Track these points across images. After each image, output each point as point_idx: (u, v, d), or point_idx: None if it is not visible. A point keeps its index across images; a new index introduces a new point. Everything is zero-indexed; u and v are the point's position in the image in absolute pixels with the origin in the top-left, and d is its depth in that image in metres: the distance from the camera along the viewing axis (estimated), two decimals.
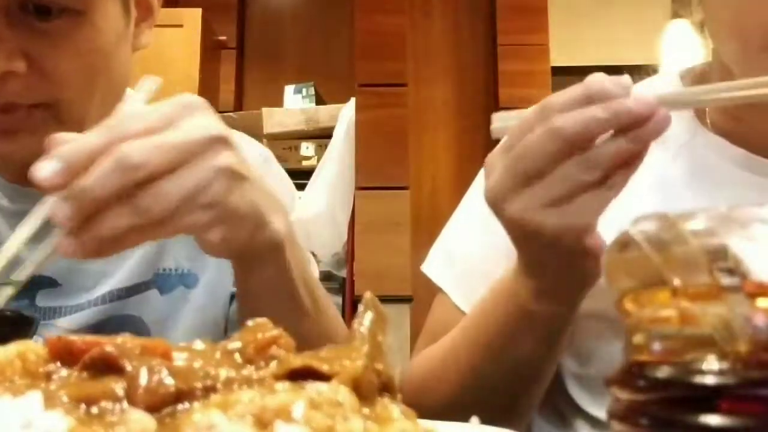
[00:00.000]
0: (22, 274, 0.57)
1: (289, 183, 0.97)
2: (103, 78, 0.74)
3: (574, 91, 0.55)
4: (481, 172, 0.86)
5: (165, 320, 0.79)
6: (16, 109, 0.70)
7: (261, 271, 0.61)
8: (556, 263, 0.60)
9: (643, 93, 0.54)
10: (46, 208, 0.55)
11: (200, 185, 0.53)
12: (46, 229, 0.55)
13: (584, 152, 0.54)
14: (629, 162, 0.55)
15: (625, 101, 0.54)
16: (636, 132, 0.53)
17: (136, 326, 0.78)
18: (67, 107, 0.72)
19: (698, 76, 0.80)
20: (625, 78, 0.55)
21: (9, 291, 0.56)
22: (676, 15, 3.15)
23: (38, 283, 0.78)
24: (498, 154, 0.59)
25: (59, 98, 0.71)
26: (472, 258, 0.82)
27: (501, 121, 0.60)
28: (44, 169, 0.51)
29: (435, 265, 0.85)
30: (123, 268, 0.79)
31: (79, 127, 0.72)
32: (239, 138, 0.87)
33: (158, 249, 0.80)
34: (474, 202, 0.85)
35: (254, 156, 0.87)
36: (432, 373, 0.73)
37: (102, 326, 0.77)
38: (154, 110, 0.54)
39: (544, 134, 0.55)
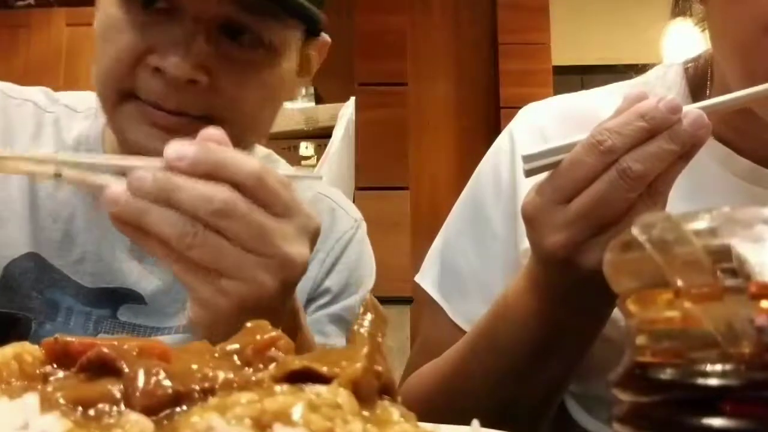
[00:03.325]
0: (68, 171, 0.56)
1: (371, 262, 0.95)
2: (268, 114, 0.78)
3: (631, 124, 0.53)
4: (473, 179, 0.85)
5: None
6: (186, 115, 0.72)
7: None
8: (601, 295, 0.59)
9: (691, 110, 0.54)
10: (138, 162, 0.55)
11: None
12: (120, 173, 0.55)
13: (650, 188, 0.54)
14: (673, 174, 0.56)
15: (685, 128, 0.53)
16: (691, 151, 0.54)
17: None
18: (228, 127, 0.73)
19: (702, 69, 0.79)
20: (673, 99, 0.54)
21: (51, 169, 0.55)
22: (675, 14, 3.14)
23: (124, 296, 0.78)
24: (548, 203, 0.57)
25: (226, 116, 0.72)
26: (466, 270, 0.80)
27: (530, 161, 0.58)
28: (178, 150, 0.53)
29: (429, 276, 0.83)
30: None
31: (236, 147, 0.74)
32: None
33: None
34: (466, 210, 0.84)
35: (345, 228, 0.89)
36: (436, 388, 0.72)
37: None
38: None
39: (618, 179, 0.53)
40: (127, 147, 0.73)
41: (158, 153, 0.73)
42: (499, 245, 0.79)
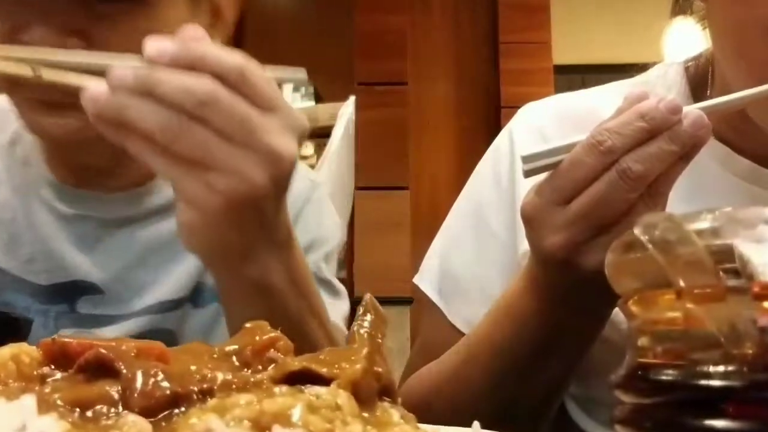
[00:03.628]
0: (47, 72, 0.56)
1: (333, 222, 0.92)
2: None
3: (631, 125, 0.53)
4: (472, 179, 0.85)
5: (198, 337, 0.78)
6: None
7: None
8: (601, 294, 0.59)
9: (691, 111, 0.54)
10: (116, 59, 0.54)
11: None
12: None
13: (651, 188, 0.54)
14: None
15: (685, 128, 0.53)
16: (691, 152, 0.54)
17: (169, 342, 0.76)
18: None
19: (702, 68, 0.78)
20: (673, 100, 0.54)
21: (28, 70, 0.55)
22: (676, 12, 3.14)
23: (81, 289, 0.77)
24: (548, 204, 0.57)
25: None
26: (466, 272, 0.80)
27: (530, 161, 0.58)
28: (158, 47, 0.52)
29: (428, 278, 0.83)
30: (167, 281, 0.78)
31: None
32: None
33: (200, 264, 0.77)
34: (464, 211, 0.84)
35: (300, 188, 0.85)
36: (436, 390, 0.72)
37: (140, 338, 0.75)
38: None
39: (618, 180, 0.53)
40: (35, 132, 0.71)
41: (52, 131, 0.70)
42: (497, 246, 0.79)
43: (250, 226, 0.56)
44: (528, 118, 0.84)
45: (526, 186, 0.79)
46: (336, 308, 0.82)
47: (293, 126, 0.55)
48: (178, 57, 0.52)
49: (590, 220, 0.55)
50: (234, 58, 0.54)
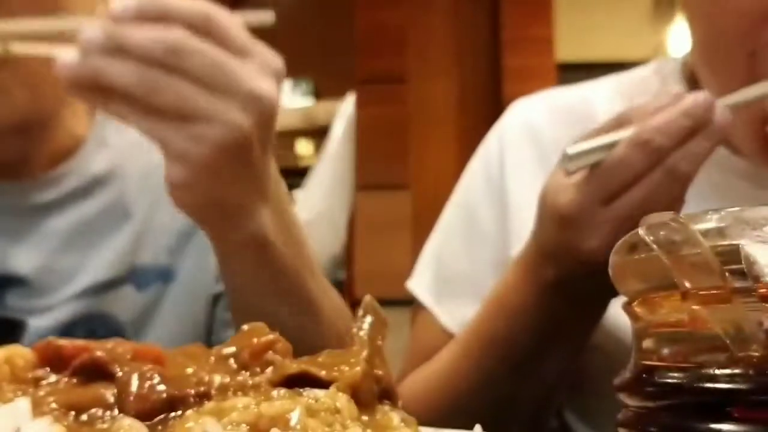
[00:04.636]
0: (18, 46, 0.56)
1: None
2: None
3: (676, 122, 0.54)
4: (464, 179, 0.84)
5: (141, 319, 0.76)
6: None
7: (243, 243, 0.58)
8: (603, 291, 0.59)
9: (717, 105, 0.55)
10: (84, 21, 0.54)
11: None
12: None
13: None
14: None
15: (716, 125, 0.54)
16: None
17: (110, 325, 0.74)
18: (35, 68, 0.66)
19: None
20: (708, 96, 0.55)
21: None
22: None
23: (7, 282, 0.74)
24: (592, 204, 0.56)
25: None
26: (457, 273, 0.79)
27: (572, 161, 0.57)
28: (122, 3, 0.52)
29: (422, 281, 0.82)
30: (97, 264, 0.76)
31: (49, 95, 0.70)
32: None
33: (135, 242, 0.77)
34: (457, 211, 0.83)
35: None
36: (432, 390, 0.71)
37: (74, 324, 0.73)
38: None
39: (665, 179, 0.53)
40: None
41: None
42: (489, 246, 0.79)
43: (240, 177, 0.55)
44: (519, 115, 0.83)
45: (516, 185, 0.79)
46: None
47: (270, 68, 0.55)
48: (142, 9, 0.52)
49: (634, 220, 0.54)
50: (199, 5, 0.53)
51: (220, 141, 0.52)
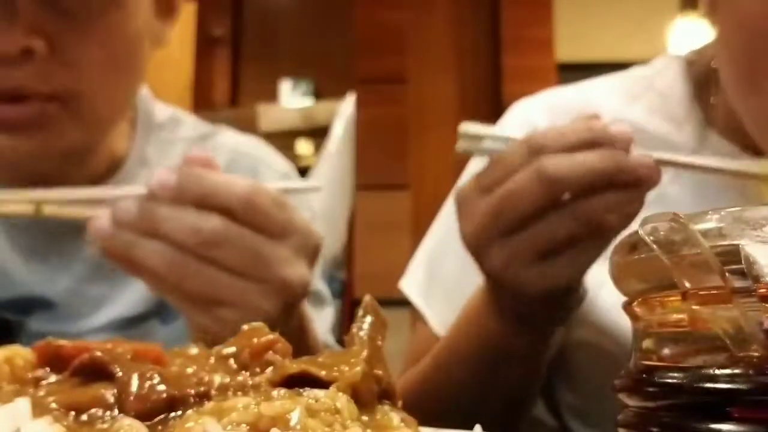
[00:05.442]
0: (48, 208, 0.55)
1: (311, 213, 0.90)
2: (126, 72, 0.68)
3: (568, 135, 0.51)
4: (463, 178, 0.84)
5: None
6: (29, 98, 0.62)
7: None
8: (535, 313, 0.58)
9: (641, 154, 0.52)
10: (120, 192, 0.53)
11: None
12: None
13: (573, 203, 0.51)
14: (623, 217, 0.52)
15: (629, 158, 0.50)
16: (633, 191, 0.51)
17: None
18: (84, 102, 0.65)
19: (707, 63, 0.76)
20: (627, 130, 0.52)
21: (30, 208, 0.54)
22: (684, 8, 3.12)
23: (33, 305, 0.71)
24: (474, 191, 0.55)
25: (77, 90, 0.64)
26: (451, 280, 0.78)
27: (467, 139, 0.56)
28: (161, 179, 0.51)
29: (414, 284, 0.81)
30: (126, 295, 0.74)
31: (97, 126, 0.68)
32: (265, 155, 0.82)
33: None
34: (452, 216, 0.82)
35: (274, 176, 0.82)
36: (411, 395, 0.71)
37: None
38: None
39: (533, 179, 0.51)
40: None
41: (4, 153, 0.64)
42: None
43: None
44: (519, 115, 0.82)
45: None
46: (322, 318, 0.80)
47: (306, 247, 0.54)
48: (183, 189, 0.50)
49: (502, 216, 0.52)
50: (241, 188, 0.52)
51: (242, 323, 0.52)
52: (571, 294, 0.58)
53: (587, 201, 0.51)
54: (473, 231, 0.55)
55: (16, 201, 0.55)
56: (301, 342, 0.60)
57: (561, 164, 0.50)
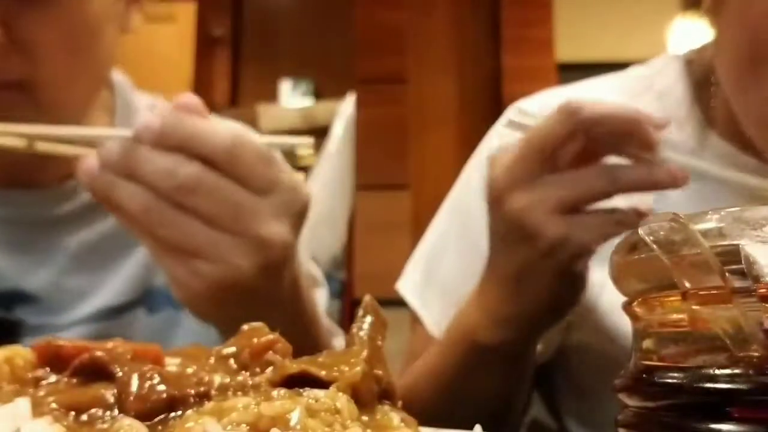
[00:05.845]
0: (41, 144, 0.55)
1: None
2: (88, 58, 0.67)
3: (607, 104, 0.54)
4: (461, 182, 0.84)
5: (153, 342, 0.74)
6: None
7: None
8: (536, 280, 0.57)
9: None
10: (109, 133, 0.54)
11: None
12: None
13: (606, 164, 0.53)
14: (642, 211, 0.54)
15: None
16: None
17: None
18: (45, 88, 0.64)
19: (707, 63, 0.76)
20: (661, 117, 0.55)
21: (23, 142, 0.54)
22: (684, 8, 3.12)
23: (16, 299, 0.70)
24: (506, 149, 0.57)
25: (37, 77, 0.63)
26: (448, 283, 0.78)
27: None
28: (145, 123, 0.50)
29: (410, 284, 0.81)
30: (110, 286, 0.73)
31: (57, 113, 0.66)
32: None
33: (148, 265, 0.74)
34: (451, 217, 0.82)
35: None
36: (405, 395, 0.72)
37: None
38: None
39: (561, 112, 0.53)
40: None
41: None
42: (482, 260, 0.78)
43: (242, 305, 0.52)
44: (518, 116, 0.82)
45: None
46: (319, 299, 0.79)
47: (290, 206, 0.52)
48: (165, 133, 0.50)
49: (531, 153, 0.54)
50: (225, 136, 0.50)
51: (218, 279, 0.51)
52: (575, 282, 0.57)
53: (620, 166, 0.53)
54: (499, 174, 0.55)
55: (9, 134, 0.54)
56: (296, 315, 0.59)
57: (589, 102, 0.52)
